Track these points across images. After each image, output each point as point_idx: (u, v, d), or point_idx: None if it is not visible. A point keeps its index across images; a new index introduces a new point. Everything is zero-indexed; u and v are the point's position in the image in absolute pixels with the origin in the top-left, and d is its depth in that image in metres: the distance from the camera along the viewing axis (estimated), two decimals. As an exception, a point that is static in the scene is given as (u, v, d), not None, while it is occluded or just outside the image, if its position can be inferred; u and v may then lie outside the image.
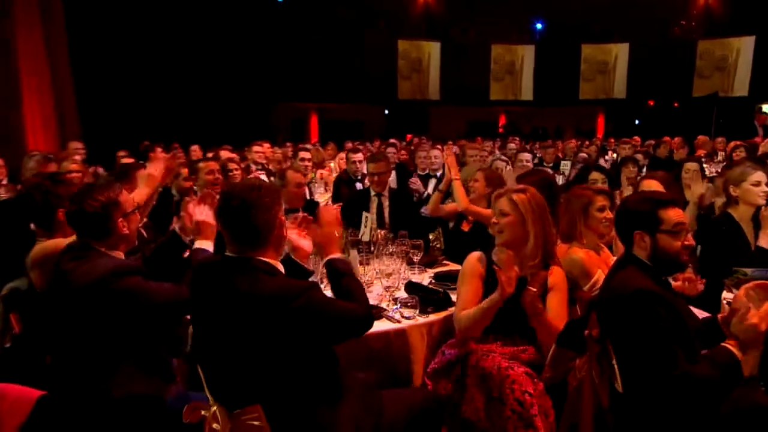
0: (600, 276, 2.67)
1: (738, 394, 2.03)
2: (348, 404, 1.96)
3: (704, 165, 6.62)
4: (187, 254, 2.38)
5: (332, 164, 7.90)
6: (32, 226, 2.73)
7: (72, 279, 2.02)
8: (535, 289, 2.36)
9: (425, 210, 4.35)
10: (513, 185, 2.88)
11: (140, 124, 11.34)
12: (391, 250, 3.12)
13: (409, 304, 2.67)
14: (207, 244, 2.31)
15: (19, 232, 2.91)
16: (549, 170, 7.06)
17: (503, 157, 5.32)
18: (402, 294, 2.85)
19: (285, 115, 17.13)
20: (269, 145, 8.25)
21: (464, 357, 2.46)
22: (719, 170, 6.12)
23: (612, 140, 11.91)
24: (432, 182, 5.82)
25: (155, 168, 2.87)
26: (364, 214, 3.66)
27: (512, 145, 9.62)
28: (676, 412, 2.02)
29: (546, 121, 18.42)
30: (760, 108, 14.79)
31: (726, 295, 2.87)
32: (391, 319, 2.61)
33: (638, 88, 18.01)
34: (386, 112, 18.56)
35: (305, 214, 2.27)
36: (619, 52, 18.42)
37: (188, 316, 2.21)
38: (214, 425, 1.83)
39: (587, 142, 11.35)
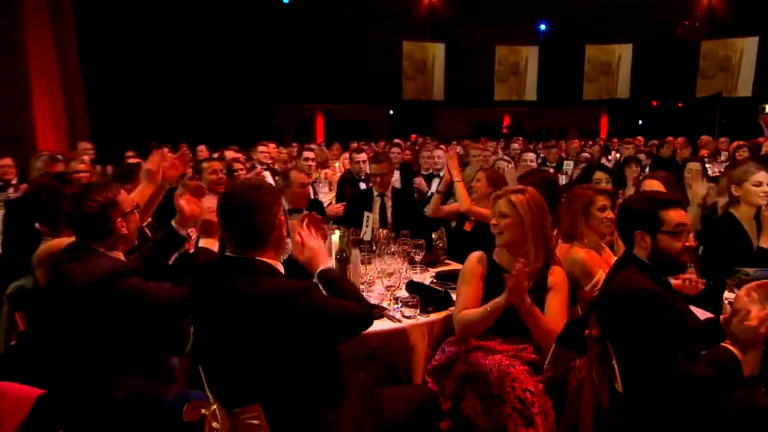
0: (601, 276, 2.64)
1: (738, 395, 2.01)
2: (348, 404, 1.94)
3: (707, 165, 6.57)
4: (191, 251, 2.35)
5: (337, 164, 7.89)
6: (37, 225, 2.72)
7: (71, 280, 2.00)
8: (521, 265, 2.27)
9: (427, 211, 4.32)
10: (513, 186, 2.85)
11: (149, 125, 11.38)
12: (392, 249, 3.10)
13: (410, 303, 2.65)
14: (213, 244, 2.28)
15: (25, 231, 2.91)
16: (551, 170, 7.06)
17: (506, 157, 5.28)
18: (403, 293, 2.83)
19: (291, 115, 17.15)
20: (275, 145, 8.26)
21: (464, 354, 2.44)
22: (722, 170, 6.08)
23: (615, 140, 11.85)
24: (435, 182, 5.81)
25: (152, 163, 2.83)
26: (366, 213, 3.64)
27: (516, 145, 9.59)
28: (676, 412, 1.99)
29: (550, 122, 18.37)
30: (764, 108, 14.69)
31: (727, 295, 2.84)
32: (392, 318, 2.59)
33: (642, 88, 17.93)
34: (391, 112, 18.54)
35: (313, 213, 2.23)
36: (623, 53, 18.34)
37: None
38: (214, 424, 1.82)
39: (590, 142, 11.29)
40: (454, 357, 2.47)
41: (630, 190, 4.73)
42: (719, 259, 3.20)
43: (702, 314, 2.74)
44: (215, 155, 6.33)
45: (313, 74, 16.33)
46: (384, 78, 17.28)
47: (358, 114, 17.51)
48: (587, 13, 16.39)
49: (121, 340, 2.03)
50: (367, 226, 3.50)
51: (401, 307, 2.66)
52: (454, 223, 4.15)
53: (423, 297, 2.70)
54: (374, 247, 3.21)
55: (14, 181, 5.50)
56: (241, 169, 5.29)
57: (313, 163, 6.15)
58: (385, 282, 2.80)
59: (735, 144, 8.18)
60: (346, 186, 5.80)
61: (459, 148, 9.48)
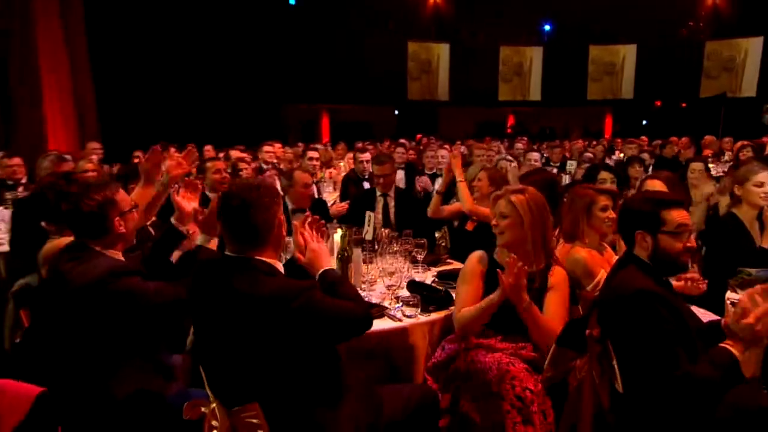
0: (603, 275, 2.61)
1: (740, 396, 1.97)
2: (348, 404, 1.92)
3: (711, 165, 6.51)
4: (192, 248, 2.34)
5: (341, 164, 7.88)
6: (43, 224, 2.73)
7: (69, 280, 1.98)
8: (513, 261, 2.25)
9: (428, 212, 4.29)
10: (513, 186, 2.83)
11: (157, 124, 11.41)
12: (394, 248, 3.08)
13: (411, 302, 2.63)
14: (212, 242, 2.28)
15: (32, 230, 2.91)
16: (555, 170, 7.02)
17: (508, 157, 5.26)
18: (404, 293, 2.81)
19: (297, 115, 17.16)
20: (280, 145, 8.25)
21: (464, 352, 2.41)
22: (725, 170, 6.03)
23: (619, 140, 11.78)
24: (439, 181, 5.77)
25: (149, 162, 2.78)
26: (367, 212, 3.62)
27: (519, 145, 9.55)
28: (676, 413, 1.96)
29: (554, 122, 18.30)
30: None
31: (730, 296, 2.80)
32: (392, 317, 2.57)
33: (646, 88, 17.82)
34: (396, 112, 18.51)
35: (316, 216, 2.21)
36: (627, 53, 18.23)
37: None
38: (213, 422, 1.81)
39: (594, 142, 11.22)
40: (454, 355, 2.45)
41: (633, 191, 4.69)
42: (722, 259, 3.16)
43: (704, 314, 2.71)
44: (221, 155, 6.32)
45: (319, 75, 16.33)
46: (389, 78, 17.25)
47: (364, 114, 17.50)
48: (591, 14, 16.30)
49: (121, 339, 2.01)
50: (368, 226, 3.48)
51: (402, 306, 2.64)
52: (456, 223, 4.13)
53: (424, 296, 2.68)
54: (376, 247, 3.19)
55: (24, 181, 5.52)
56: (246, 169, 5.28)
57: (318, 163, 6.14)
58: (386, 281, 2.78)
59: (739, 144, 8.10)
60: (350, 185, 5.78)
61: (463, 148, 9.44)
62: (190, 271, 2.00)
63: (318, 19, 16.14)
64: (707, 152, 8.76)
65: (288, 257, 2.25)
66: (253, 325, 1.75)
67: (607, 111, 19.09)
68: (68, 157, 5.89)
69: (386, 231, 3.36)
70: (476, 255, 2.57)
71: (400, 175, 6.55)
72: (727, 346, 1.91)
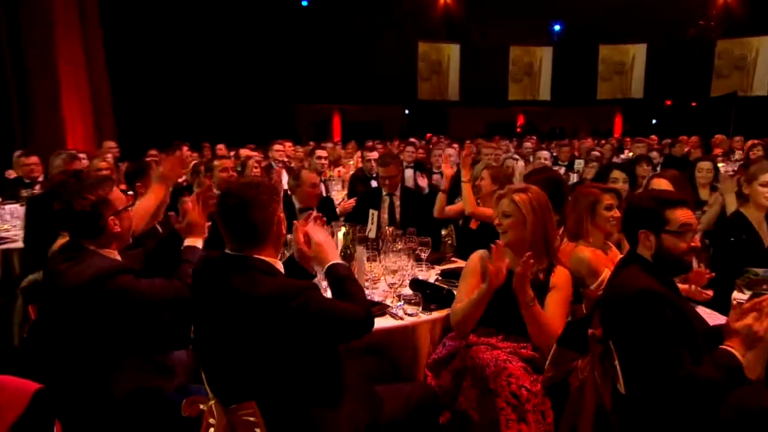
0: (607, 275, 2.55)
1: (743, 397, 1.91)
2: (347, 404, 1.88)
3: (721, 164, 6.39)
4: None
5: (351, 162, 7.88)
6: None
7: (64, 280, 1.96)
8: (529, 253, 2.22)
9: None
10: (516, 185, 2.77)
11: (172, 124, 11.50)
12: (398, 247, 3.03)
13: (412, 301, 2.58)
14: (197, 242, 2.26)
15: (44, 228, 2.92)
16: (563, 168, 6.94)
17: (515, 156, 5.19)
18: (407, 291, 2.76)
19: (309, 115, 17.20)
20: (291, 144, 8.25)
21: (464, 349, 2.37)
22: (735, 169, 5.91)
23: (628, 139, 11.63)
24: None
25: (166, 167, 2.80)
26: (371, 211, 3.58)
27: (528, 144, 9.47)
28: (679, 414, 1.91)
29: (563, 121, 18.15)
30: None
31: (736, 296, 2.73)
32: (394, 316, 2.53)
33: (656, 87, 17.60)
34: (406, 112, 18.47)
35: (319, 213, 2.18)
36: (637, 53, 18.01)
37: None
38: (211, 420, 1.78)
39: (603, 141, 11.09)
40: (455, 351, 2.41)
41: (641, 190, 4.61)
42: (728, 259, 3.08)
43: (710, 315, 2.64)
44: (231, 153, 6.33)
45: (331, 75, 16.36)
46: (400, 79, 17.24)
47: (375, 114, 17.47)
48: (601, 14, 16.10)
49: (117, 338, 1.98)
50: (372, 224, 3.45)
51: (404, 304, 2.59)
52: (461, 222, 4.08)
53: (426, 295, 2.64)
54: (380, 245, 3.15)
55: (41, 179, 5.56)
56: (256, 167, 5.28)
57: (326, 162, 6.12)
58: (389, 279, 2.74)
59: (749, 143, 7.96)
60: (358, 184, 5.75)
61: (473, 147, 9.39)
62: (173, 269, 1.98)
63: (329, 20, 16.16)
64: (717, 151, 8.62)
65: (289, 254, 2.21)
66: (251, 324, 1.72)
67: (617, 110, 18.87)
68: (83, 155, 5.95)
69: (390, 229, 3.32)
70: (478, 254, 2.53)
71: (409, 173, 6.53)
72: (729, 348, 1.85)
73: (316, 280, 2.20)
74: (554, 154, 8.25)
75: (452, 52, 18.29)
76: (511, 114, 18.83)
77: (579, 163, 6.82)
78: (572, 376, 2.18)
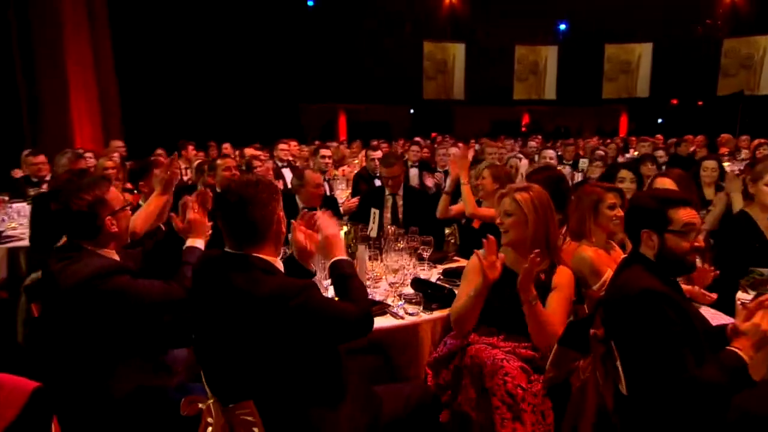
0: (609, 275, 2.51)
1: (748, 399, 1.88)
2: (345, 404, 1.86)
3: (727, 163, 6.32)
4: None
5: (356, 161, 7.87)
6: None
7: (60, 280, 1.94)
8: (537, 250, 2.20)
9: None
10: (518, 183, 2.75)
11: (178, 123, 11.53)
12: (400, 246, 3.01)
13: (413, 300, 2.56)
14: (198, 242, 2.23)
15: (49, 226, 2.92)
16: (567, 167, 6.89)
17: (519, 154, 5.15)
18: (408, 290, 2.74)
19: (315, 115, 17.20)
20: (296, 143, 8.25)
21: (465, 348, 2.35)
22: (741, 168, 5.85)
23: (633, 139, 11.54)
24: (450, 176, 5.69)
25: (167, 171, 2.80)
26: (372, 210, 3.55)
27: (533, 144, 9.42)
28: (682, 416, 1.87)
29: (569, 121, 18.03)
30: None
31: (740, 296, 2.69)
32: (395, 315, 2.51)
33: (662, 87, 17.44)
34: (411, 111, 18.43)
35: (312, 212, 2.17)
36: (643, 52, 17.85)
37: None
38: (209, 419, 1.77)
39: (608, 141, 11.02)
40: (456, 350, 2.38)
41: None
42: (733, 259, 3.04)
43: (714, 315, 2.60)
44: (236, 153, 6.33)
45: (337, 75, 16.34)
46: (405, 78, 17.18)
47: (380, 113, 17.45)
48: (607, 13, 15.97)
49: (115, 338, 1.97)
50: (373, 223, 3.42)
51: (404, 304, 2.57)
52: (464, 220, 4.05)
53: (427, 294, 2.61)
54: (382, 244, 3.13)
55: (48, 178, 5.59)
56: (260, 166, 5.27)
57: (330, 161, 6.10)
58: (390, 279, 2.72)
59: (756, 142, 7.88)
60: (361, 183, 5.74)
61: (477, 146, 9.35)
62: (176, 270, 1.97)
63: (335, 20, 16.14)
64: (723, 150, 8.53)
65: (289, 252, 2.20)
66: (250, 323, 1.70)
67: (623, 110, 18.73)
68: (89, 154, 5.97)
69: (392, 228, 3.29)
70: (479, 253, 2.49)
71: (414, 172, 6.51)
72: (736, 349, 1.81)
73: (315, 278, 2.18)
74: (559, 153, 8.21)
75: (457, 51, 18.21)
76: (517, 113, 18.75)
77: (583, 162, 6.77)
78: (574, 377, 2.16)
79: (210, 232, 2.33)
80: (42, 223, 3.67)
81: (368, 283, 2.80)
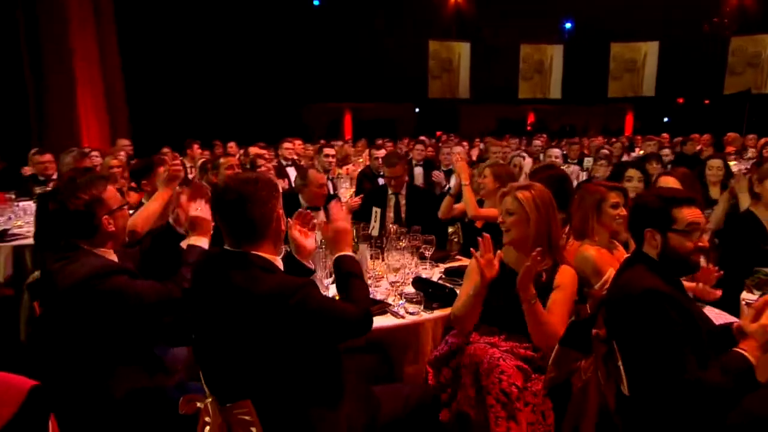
0: (611, 274, 2.48)
1: (753, 401, 1.84)
2: (344, 404, 1.85)
3: (733, 162, 6.25)
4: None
5: (361, 160, 7.86)
6: None
7: (58, 280, 1.92)
8: (539, 248, 2.18)
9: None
10: (519, 182, 2.72)
11: (184, 122, 11.55)
12: (401, 244, 2.99)
13: (414, 299, 2.54)
14: (202, 241, 2.21)
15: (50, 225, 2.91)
16: (573, 166, 6.85)
17: (522, 153, 5.11)
18: (409, 289, 2.72)
19: (321, 114, 17.21)
20: (301, 142, 8.23)
21: (465, 346, 2.32)
22: (748, 167, 5.79)
23: (639, 137, 11.46)
24: (454, 177, 5.66)
25: (170, 171, 2.80)
26: (374, 209, 3.53)
27: (538, 142, 9.37)
28: (684, 418, 1.84)
29: (574, 120, 17.94)
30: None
31: (745, 296, 2.65)
32: (395, 314, 2.49)
33: (668, 85, 17.29)
34: (417, 110, 18.39)
35: (307, 211, 2.15)
36: (649, 50, 17.70)
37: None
38: (207, 418, 1.75)
39: (613, 139, 10.94)
40: (456, 349, 2.36)
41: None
42: (738, 258, 3.00)
43: (718, 315, 2.56)
44: (240, 151, 6.32)
45: (342, 74, 16.34)
46: (411, 77, 17.14)
47: (386, 112, 17.43)
48: (612, 11, 15.84)
49: (113, 338, 1.95)
50: (375, 222, 3.40)
51: (405, 303, 2.55)
52: (467, 219, 4.02)
53: (428, 293, 2.59)
54: (384, 243, 3.11)
55: (54, 176, 5.61)
56: (264, 165, 5.26)
57: (334, 160, 6.09)
58: (391, 278, 2.69)
59: (763, 141, 7.80)
60: (365, 181, 5.72)
61: (481, 145, 9.31)
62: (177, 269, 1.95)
63: (341, 19, 16.13)
64: (730, 149, 8.45)
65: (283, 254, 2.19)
66: (249, 321, 1.68)
67: (629, 108, 18.60)
68: (95, 153, 5.98)
69: (395, 227, 3.27)
70: (475, 252, 2.47)
71: (419, 171, 6.48)
72: (741, 350, 1.78)
73: (315, 277, 2.17)
74: (564, 152, 8.16)
75: (463, 50, 18.15)
76: (522, 112, 18.68)
77: (588, 161, 6.72)
78: (575, 377, 2.13)
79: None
80: (45, 223, 3.67)
81: (369, 281, 2.77)
